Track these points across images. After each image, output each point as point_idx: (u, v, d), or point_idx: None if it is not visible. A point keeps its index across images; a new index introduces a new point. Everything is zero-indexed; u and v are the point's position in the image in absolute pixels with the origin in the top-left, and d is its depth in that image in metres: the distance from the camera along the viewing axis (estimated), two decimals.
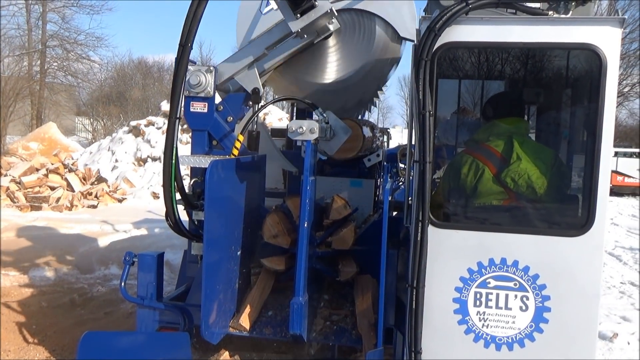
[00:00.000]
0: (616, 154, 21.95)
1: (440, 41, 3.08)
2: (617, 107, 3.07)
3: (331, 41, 4.54)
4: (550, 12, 3.23)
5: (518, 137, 3.46)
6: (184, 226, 3.93)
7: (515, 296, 3.18)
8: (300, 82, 4.63)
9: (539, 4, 3.27)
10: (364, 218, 4.98)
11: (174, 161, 3.69)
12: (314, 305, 4.06)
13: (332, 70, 4.58)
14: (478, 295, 3.21)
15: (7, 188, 13.42)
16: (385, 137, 6.51)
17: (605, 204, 3.05)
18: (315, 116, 4.43)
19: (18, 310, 6.10)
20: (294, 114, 5.82)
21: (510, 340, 3.20)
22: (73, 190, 13.93)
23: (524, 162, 3.36)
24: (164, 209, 3.90)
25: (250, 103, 4.31)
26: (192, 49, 3.69)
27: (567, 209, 3.47)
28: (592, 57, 3.06)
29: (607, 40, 2.99)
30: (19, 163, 15.28)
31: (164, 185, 3.73)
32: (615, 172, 21.52)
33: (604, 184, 3.03)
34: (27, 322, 5.78)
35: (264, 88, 4.51)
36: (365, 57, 4.51)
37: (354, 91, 4.70)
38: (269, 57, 4.34)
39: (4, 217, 11.55)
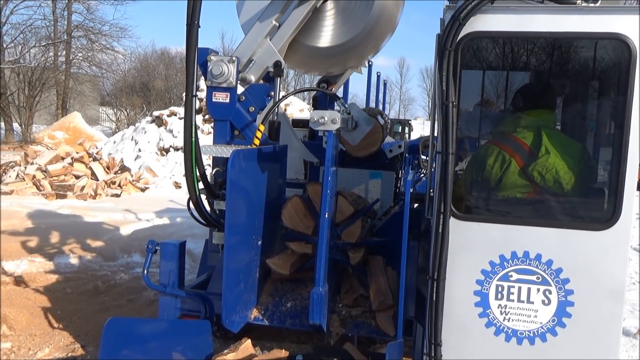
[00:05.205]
0: None
1: (465, 31, 3.04)
2: None
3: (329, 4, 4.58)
4: (579, 1, 3.15)
5: (546, 129, 3.39)
6: (205, 209, 3.96)
7: (538, 290, 3.14)
8: (304, 47, 4.65)
9: None
10: (384, 210, 4.96)
11: (193, 139, 3.72)
12: (333, 301, 4.06)
13: (331, 32, 4.62)
14: (500, 289, 3.18)
15: (34, 176, 13.70)
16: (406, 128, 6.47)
17: (632, 198, 2.99)
18: (337, 107, 4.41)
19: (44, 296, 6.24)
20: (316, 104, 5.80)
21: (531, 335, 3.17)
22: (97, 179, 14.16)
23: (552, 157, 3.28)
24: (186, 198, 3.94)
25: (272, 94, 4.30)
26: (199, 27, 3.67)
27: (592, 202, 3.40)
28: (621, 47, 2.98)
29: (637, 30, 2.92)
30: (45, 152, 15.54)
31: (185, 164, 3.76)
32: None
33: (631, 177, 2.97)
34: (52, 307, 5.91)
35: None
36: (365, 17, 4.52)
37: (354, 51, 4.73)
38: (280, 30, 4.35)
39: (30, 204, 11.79)
